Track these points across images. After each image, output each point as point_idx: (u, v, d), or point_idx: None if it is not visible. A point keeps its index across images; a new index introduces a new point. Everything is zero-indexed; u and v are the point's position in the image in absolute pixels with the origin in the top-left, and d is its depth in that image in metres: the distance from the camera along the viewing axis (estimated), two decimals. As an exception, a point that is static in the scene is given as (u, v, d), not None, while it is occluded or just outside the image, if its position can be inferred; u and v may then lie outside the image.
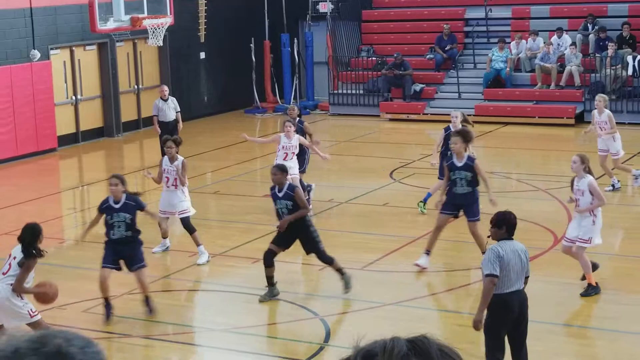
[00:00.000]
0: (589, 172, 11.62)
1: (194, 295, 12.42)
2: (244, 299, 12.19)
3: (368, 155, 20.95)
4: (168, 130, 18.05)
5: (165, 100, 18.96)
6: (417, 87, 26.26)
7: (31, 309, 9.90)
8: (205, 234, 15.22)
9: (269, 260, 11.69)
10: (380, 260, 13.35)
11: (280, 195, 11.73)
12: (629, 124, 23.79)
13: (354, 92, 26.90)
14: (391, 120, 25.79)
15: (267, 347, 10.65)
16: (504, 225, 8.77)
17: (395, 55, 26.43)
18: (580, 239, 11.55)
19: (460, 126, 14.79)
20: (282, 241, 11.83)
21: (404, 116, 25.58)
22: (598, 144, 16.96)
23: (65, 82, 23.27)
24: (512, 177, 19.08)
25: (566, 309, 11.28)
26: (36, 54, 21.43)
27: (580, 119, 24.22)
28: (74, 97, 23.45)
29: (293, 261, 13.22)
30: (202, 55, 27.26)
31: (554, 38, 25.50)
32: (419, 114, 25.62)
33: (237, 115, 27.39)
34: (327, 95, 27.80)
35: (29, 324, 9.78)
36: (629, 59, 24.07)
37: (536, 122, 24.22)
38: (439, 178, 15.30)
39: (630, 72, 24.09)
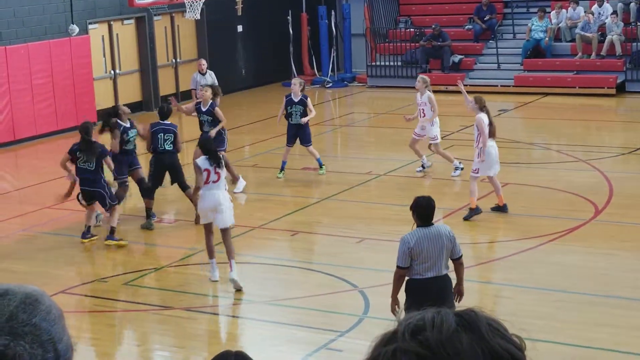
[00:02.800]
0: (486, 112, 13.77)
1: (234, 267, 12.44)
2: (283, 271, 12.22)
3: (406, 127, 20.82)
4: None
5: (204, 74, 18.78)
6: (456, 58, 26.05)
7: None
8: (244, 207, 15.27)
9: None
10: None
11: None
12: (671, 93, 23.48)
13: (391, 64, 26.75)
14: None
15: (307, 319, 10.66)
16: (414, 211, 8.58)
17: (433, 26, 26.23)
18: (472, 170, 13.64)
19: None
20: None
21: (442, 87, 25.39)
22: (416, 127, 16.22)
23: (104, 56, 23.37)
24: (552, 148, 18.90)
25: (607, 280, 11.19)
26: (75, 28, 21.49)
27: (622, 89, 23.92)
28: (112, 72, 23.55)
29: (331, 234, 13.22)
30: (240, 28, 27.21)
31: (595, 7, 25.15)
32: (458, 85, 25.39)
33: (275, 88, 27.35)
34: (364, 68, 27.66)
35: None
36: (672, 27, 23.70)
37: (576, 92, 23.95)
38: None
39: (672, 40, 23.72)
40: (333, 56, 28.28)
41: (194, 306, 10.98)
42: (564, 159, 17.63)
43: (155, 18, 24.23)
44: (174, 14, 24.89)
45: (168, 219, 14.60)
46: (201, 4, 19.37)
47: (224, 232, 11.44)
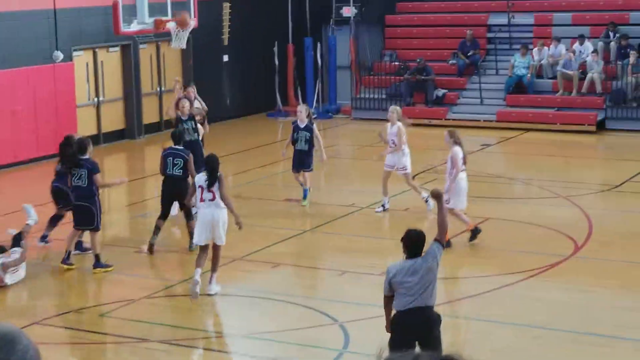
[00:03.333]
0: (459, 144, 13.95)
1: (213, 299, 12.27)
2: (263, 303, 12.04)
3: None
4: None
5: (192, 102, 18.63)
6: (440, 92, 26.05)
7: None
8: (226, 238, 15.08)
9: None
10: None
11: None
12: (651, 131, 23.53)
13: (376, 96, 26.72)
14: (413, 125, 25.50)
15: (286, 353, 10.48)
16: (403, 242, 8.66)
17: (418, 60, 26.24)
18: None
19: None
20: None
21: (426, 121, 25.36)
22: (386, 158, 16.01)
23: (88, 83, 23.21)
24: (533, 183, 18.84)
25: (587, 317, 11.07)
26: (59, 55, 21.34)
27: (602, 126, 23.96)
28: (96, 99, 23.39)
29: (312, 266, 13.06)
30: (225, 58, 27.14)
31: (576, 45, 25.24)
32: (441, 119, 25.38)
33: (260, 118, 27.27)
34: (349, 100, 27.63)
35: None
36: (652, 66, 23.78)
37: (558, 129, 23.97)
38: None
39: (652, 79, 23.80)
40: (318, 88, 28.24)
41: (170, 339, 10.78)
42: (545, 194, 17.56)
43: (140, 46, 24.12)
44: (159, 43, 24.79)
45: (144, 248, 14.37)
46: (187, 34, 19.26)
47: (216, 248, 11.84)
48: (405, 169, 15.93)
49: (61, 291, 12.53)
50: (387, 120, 16.17)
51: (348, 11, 28.28)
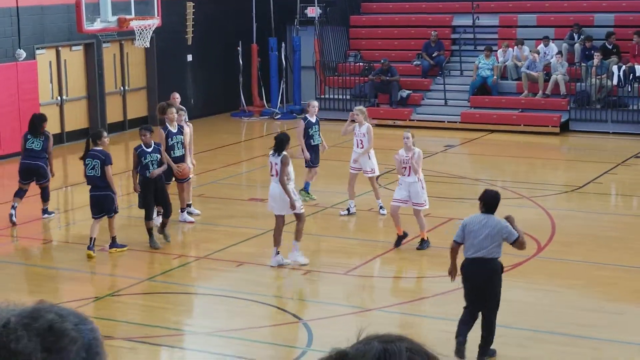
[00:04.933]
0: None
1: (178, 297, 12.36)
2: (227, 302, 12.14)
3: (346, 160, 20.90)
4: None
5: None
6: (404, 93, 26.26)
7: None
8: (190, 237, 15.17)
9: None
10: (363, 266, 13.31)
11: (149, 150, 13.91)
12: (613, 133, 23.88)
13: (341, 97, 26.88)
14: (377, 126, 25.72)
15: (250, 350, 10.59)
16: (481, 200, 10.12)
17: (382, 61, 26.43)
18: (415, 202, 13.57)
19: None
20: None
21: (390, 122, 25.56)
22: (352, 161, 16.08)
23: (51, 82, 23.15)
24: (497, 184, 19.05)
25: (550, 317, 11.27)
26: (22, 53, 21.29)
27: (566, 128, 24.28)
28: (59, 98, 23.34)
29: (277, 265, 13.17)
30: (189, 57, 27.18)
31: (541, 47, 25.56)
32: (406, 120, 25.59)
33: (224, 118, 27.32)
34: (314, 100, 27.74)
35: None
36: (614, 68, 24.14)
37: (522, 130, 24.26)
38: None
39: (615, 81, 24.15)
40: (282, 88, 28.34)
41: (135, 336, 10.84)
42: (508, 195, 17.78)
43: (104, 45, 24.08)
44: (123, 42, 24.78)
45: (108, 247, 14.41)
46: (151, 32, 19.31)
47: (296, 217, 13.15)
48: (373, 172, 16.03)
49: (25, 288, 12.54)
50: (351, 121, 16.25)
51: (312, 11, 28.42)
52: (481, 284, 9.84)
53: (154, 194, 14.05)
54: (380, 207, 15.90)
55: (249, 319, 11.47)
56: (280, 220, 13.16)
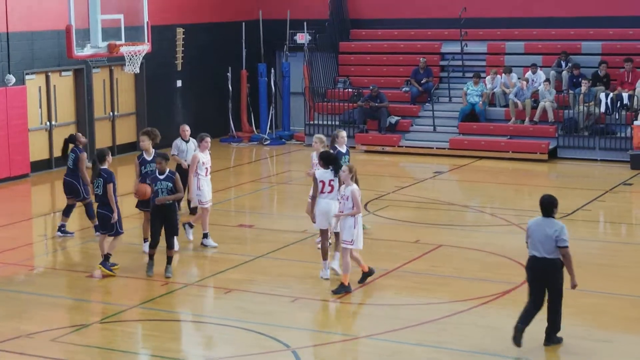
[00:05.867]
0: (356, 181, 13.15)
1: (166, 325, 12.27)
2: (215, 329, 12.07)
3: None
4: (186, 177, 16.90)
5: (187, 142, 17.24)
6: (393, 119, 26.31)
7: None
8: (178, 263, 15.09)
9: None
10: (353, 293, 13.26)
11: (161, 177, 13.79)
12: (601, 160, 23.94)
13: (329, 123, 26.92)
14: (366, 152, 25.81)
15: (238, 378, 10.52)
16: (540, 205, 11.16)
17: (371, 87, 26.50)
18: (344, 240, 13.08)
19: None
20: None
21: (379, 148, 25.59)
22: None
23: (40, 107, 23.11)
24: (485, 211, 19.09)
25: (539, 344, 11.23)
26: (11, 78, 21.29)
27: (554, 155, 24.35)
28: (48, 123, 23.29)
29: (265, 292, 13.12)
30: (179, 83, 27.20)
31: (529, 74, 25.67)
32: (394, 146, 25.65)
33: (213, 144, 27.00)
34: (303, 126, 27.81)
35: None
36: (602, 96, 24.25)
37: (510, 157, 24.31)
38: None
39: (603, 109, 24.25)
40: (272, 114, 28.37)
41: (123, 364, 10.75)
42: (497, 222, 17.80)
43: (94, 70, 24.09)
44: (113, 67, 24.79)
45: (97, 274, 14.32)
46: (141, 58, 19.32)
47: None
48: None
49: (11, 315, 12.44)
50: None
51: (302, 38, 28.51)
52: (542, 280, 10.90)
53: (162, 223, 13.86)
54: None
55: (237, 346, 11.40)
56: (325, 234, 13.81)
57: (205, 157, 15.82)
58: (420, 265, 14.66)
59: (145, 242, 15.19)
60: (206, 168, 15.74)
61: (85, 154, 16.40)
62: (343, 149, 16.03)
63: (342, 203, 13.14)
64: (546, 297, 10.98)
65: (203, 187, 15.70)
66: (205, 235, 15.71)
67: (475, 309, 12.51)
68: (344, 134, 16.25)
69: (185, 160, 16.90)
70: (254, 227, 17.16)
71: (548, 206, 11.07)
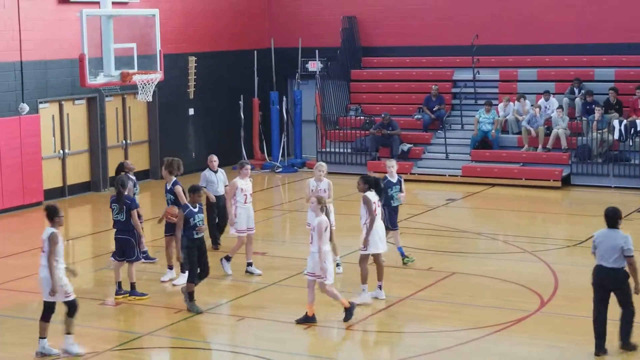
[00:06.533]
0: (326, 212, 12.91)
1: (179, 353, 12.30)
2: (228, 357, 12.09)
3: (355, 214, 20.90)
4: (219, 207, 17.11)
5: (215, 172, 17.23)
6: (405, 147, 26.37)
7: None
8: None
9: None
10: (366, 320, 13.27)
11: (196, 210, 13.67)
12: (615, 187, 23.92)
13: (341, 150, 26.99)
14: (378, 179, 25.79)
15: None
16: (605, 217, 11.64)
17: (383, 115, 26.59)
18: (309, 272, 12.89)
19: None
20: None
21: (391, 176, 25.61)
22: (308, 217, 15.54)
23: (54, 136, 23.28)
24: (498, 238, 19.08)
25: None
26: (25, 107, 21.46)
27: (567, 182, 24.33)
28: (61, 151, 23.44)
29: (277, 319, 13.13)
30: (191, 111, 27.34)
31: (542, 101, 25.72)
32: (407, 173, 25.67)
33: (225, 172, 27.34)
34: (315, 154, 27.88)
35: None
36: (615, 122, 24.26)
37: (523, 184, 24.31)
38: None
39: (616, 136, 24.25)
40: (284, 141, 28.48)
41: (136, 392, 10.77)
42: (510, 249, 17.79)
43: (107, 99, 24.27)
44: (125, 95, 24.96)
45: (110, 301, 14.39)
46: (153, 86, 19.47)
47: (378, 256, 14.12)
48: (333, 226, 15.81)
49: (25, 343, 12.49)
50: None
51: (314, 65, 28.66)
52: (609, 288, 11.49)
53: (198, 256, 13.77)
54: (337, 265, 15.64)
55: (250, 374, 11.41)
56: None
57: (245, 184, 15.68)
58: (433, 292, 14.66)
59: (169, 269, 15.38)
60: (245, 195, 15.54)
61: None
62: (393, 179, 15.96)
63: (310, 234, 12.86)
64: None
65: (240, 216, 15.55)
66: (248, 264, 15.78)
67: (488, 336, 12.50)
68: (393, 163, 16.19)
69: (219, 192, 17.02)
70: (266, 255, 17.19)
71: (613, 217, 11.61)
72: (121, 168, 16.47)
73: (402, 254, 16.17)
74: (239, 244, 15.66)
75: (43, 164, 22.52)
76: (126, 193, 14.44)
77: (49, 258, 11.59)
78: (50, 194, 22.85)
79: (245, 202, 15.57)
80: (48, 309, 11.79)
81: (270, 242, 18.68)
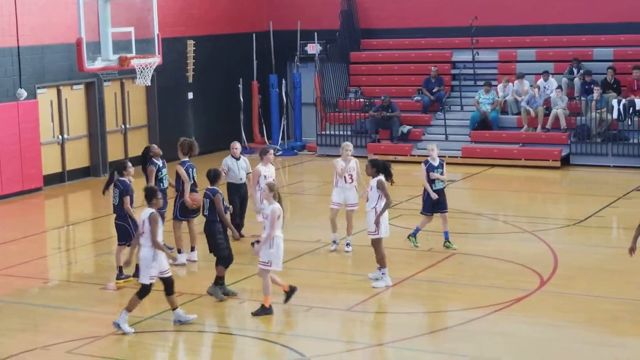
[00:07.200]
0: (279, 200, 12.66)
1: (181, 335, 12.34)
2: (231, 339, 12.14)
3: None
4: (240, 195, 16.87)
5: (237, 159, 16.99)
6: (405, 128, 26.37)
7: None
8: (191, 274, 15.18)
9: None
10: (367, 301, 13.32)
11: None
12: (613, 166, 23.95)
13: (341, 133, 26.99)
14: (378, 161, 25.81)
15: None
16: None
17: (382, 97, 26.58)
18: (261, 262, 12.68)
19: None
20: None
21: (391, 157, 25.62)
22: (333, 195, 16.09)
23: (52, 121, 23.28)
24: (498, 218, 19.12)
25: (553, 350, 11.27)
26: (23, 93, 21.44)
27: (566, 162, 24.36)
28: (60, 137, 23.44)
29: (279, 302, 13.18)
30: (190, 95, 27.33)
31: (540, 81, 25.70)
32: (406, 155, 25.71)
33: (224, 155, 27.20)
34: (314, 136, 27.89)
35: None
36: (614, 102, 24.26)
37: (522, 165, 24.33)
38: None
39: (615, 115, 24.27)
40: (283, 124, 28.48)
41: (138, 375, 10.83)
42: (510, 229, 17.83)
43: (105, 84, 24.24)
44: (124, 80, 24.94)
45: (111, 286, 14.45)
46: (152, 71, 19.45)
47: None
48: (356, 205, 16.04)
49: (27, 327, 12.55)
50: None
51: (313, 48, 28.62)
52: None
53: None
54: (347, 244, 16.01)
55: (252, 356, 11.46)
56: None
57: (267, 171, 15.76)
58: (434, 273, 14.71)
59: (180, 253, 15.45)
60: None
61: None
62: (435, 162, 15.89)
63: (264, 221, 12.78)
64: None
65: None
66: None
67: (489, 316, 12.55)
68: (433, 146, 16.17)
69: (241, 179, 16.85)
70: (248, 234, 17.21)
71: None
72: (147, 152, 15.82)
73: (447, 238, 16.04)
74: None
75: (42, 150, 22.53)
76: (125, 178, 14.40)
77: (152, 238, 11.94)
78: (50, 179, 22.87)
79: None
80: (144, 291, 12.18)
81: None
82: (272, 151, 16.05)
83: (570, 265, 15.01)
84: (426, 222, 16.16)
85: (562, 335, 11.87)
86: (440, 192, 16.00)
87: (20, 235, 17.93)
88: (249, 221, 17.24)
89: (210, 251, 13.75)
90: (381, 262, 14.03)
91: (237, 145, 17.13)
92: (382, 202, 13.91)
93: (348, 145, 16.18)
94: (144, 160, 15.62)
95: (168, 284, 12.20)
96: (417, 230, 16.15)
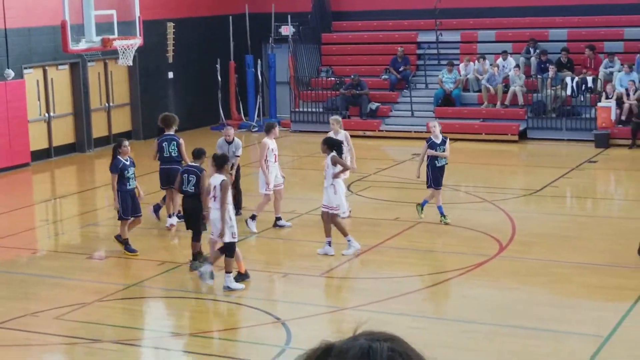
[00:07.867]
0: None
1: (162, 302, 12.33)
2: (209, 304, 12.13)
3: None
4: (235, 175, 16.53)
5: (230, 143, 16.35)
6: (373, 105, 26.34)
7: None
8: (172, 242, 15.14)
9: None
10: (338, 267, 13.35)
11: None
12: (567, 140, 24.07)
13: (314, 110, 26.91)
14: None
15: (232, 350, 10.59)
16: None
17: (352, 76, 26.52)
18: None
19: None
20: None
21: (360, 133, 25.62)
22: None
23: (39, 100, 23.04)
24: (460, 189, 19.18)
25: (512, 312, 11.35)
26: (10, 73, 21.19)
27: (524, 136, 24.45)
28: (46, 114, 23.23)
29: (256, 269, 13.17)
30: (170, 75, 27.13)
31: (500, 60, 25.74)
32: (375, 130, 25.70)
33: (204, 131, 27.26)
34: (288, 113, 27.80)
35: None
36: (568, 80, 24.34)
37: (483, 139, 24.40)
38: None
39: (569, 92, 24.36)
40: (259, 102, 28.35)
41: (123, 339, 10.81)
42: (471, 199, 17.90)
43: (89, 64, 24.01)
44: (107, 61, 24.70)
45: (98, 255, 14.38)
46: (134, 51, 19.27)
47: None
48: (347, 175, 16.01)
49: (16, 296, 12.48)
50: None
51: (286, 30, 28.46)
52: None
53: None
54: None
55: (231, 319, 11.47)
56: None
57: (274, 144, 15.54)
58: (400, 241, 14.75)
59: (169, 217, 15.51)
60: (275, 155, 15.48)
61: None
62: (438, 140, 15.69)
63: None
64: None
65: (270, 175, 15.38)
66: (277, 219, 15.64)
67: (452, 280, 12.62)
68: (435, 123, 15.98)
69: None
70: (244, 209, 17.18)
71: None
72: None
73: (441, 213, 15.74)
74: (266, 200, 15.54)
75: (29, 127, 22.31)
76: (119, 156, 14.08)
77: (221, 202, 12.14)
78: (37, 155, 22.67)
79: (275, 161, 15.50)
80: (232, 248, 12.33)
81: (247, 197, 18.66)
82: (278, 126, 15.94)
83: (527, 232, 15.10)
84: (437, 195, 15.74)
85: (520, 297, 11.96)
86: (441, 170, 15.71)
87: (8, 209, 17.78)
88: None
89: (191, 227, 13.52)
90: (343, 232, 13.82)
91: (230, 131, 16.55)
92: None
93: (336, 119, 16.12)
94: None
95: (229, 248, 12.31)
96: (440, 208, 15.77)
